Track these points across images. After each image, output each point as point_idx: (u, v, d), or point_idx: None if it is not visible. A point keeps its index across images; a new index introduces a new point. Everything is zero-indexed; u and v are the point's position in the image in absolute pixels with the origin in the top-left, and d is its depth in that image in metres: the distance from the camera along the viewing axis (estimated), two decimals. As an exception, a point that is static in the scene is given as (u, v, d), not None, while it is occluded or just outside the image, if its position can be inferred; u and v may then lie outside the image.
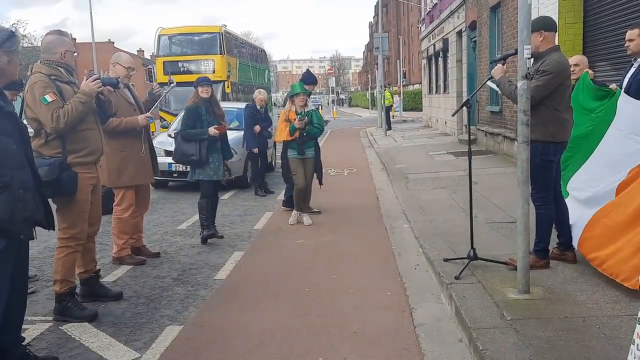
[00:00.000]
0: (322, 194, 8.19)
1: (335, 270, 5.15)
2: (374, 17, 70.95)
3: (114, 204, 5.45)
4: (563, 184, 4.84)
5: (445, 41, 19.34)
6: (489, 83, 4.59)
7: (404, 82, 41.99)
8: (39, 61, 4.09)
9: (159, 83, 15.74)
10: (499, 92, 4.55)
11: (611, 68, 7.65)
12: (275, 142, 10.91)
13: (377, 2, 37.49)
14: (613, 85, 4.70)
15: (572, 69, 4.47)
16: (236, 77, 19.72)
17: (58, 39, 4.11)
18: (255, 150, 9.32)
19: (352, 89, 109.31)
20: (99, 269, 4.69)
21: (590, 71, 5.08)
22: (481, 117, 14.57)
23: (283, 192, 8.36)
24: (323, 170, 7.91)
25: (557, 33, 4.47)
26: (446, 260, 4.84)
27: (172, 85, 6.29)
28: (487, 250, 4.88)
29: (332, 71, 57.29)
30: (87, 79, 4.11)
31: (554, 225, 4.55)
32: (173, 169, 9.28)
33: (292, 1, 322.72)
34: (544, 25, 4.30)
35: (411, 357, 3.39)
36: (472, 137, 4.57)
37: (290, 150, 7.08)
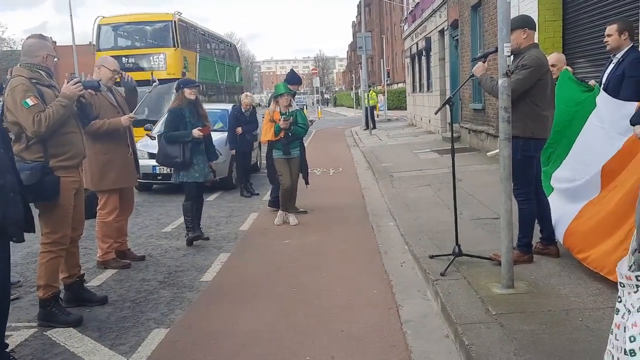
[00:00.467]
0: (308, 193, 8.20)
1: (322, 269, 5.17)
2: (357, 17, 71.18)
3: (97, 208, 5.40)
4: (546, 180, 4.91)
5: (428, 40, 19.46)
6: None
7: (388, 81, 42.16)
8: (19, 64, 4.04)
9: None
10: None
11: (590, 65, 7.76)
12: (260, 143, 10.89)
13: (360, 2, 37.67)
14: (592, 82, 4.77)
15: (550, 68, 4.53)
16: (195, 74, 17.18)
17: (39, 42, 4.08)
18: (232, 151, 9.36)
19: (337, 89, 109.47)
20: (84, 274, 4.65)
21: (569, 68, 5.16)
22: (464, 114, 14.68)
23: (269, 192, 8.35)
24: (309, 170, 7.92)
25: (535, 31, 4.54)
26: (432, 257, 4.88)
27: (154, 84, 6.26)
28: (472, 246, 4.93)
29: (316, 71, 57.33)
30: (67, 82, 4.08)
31: (536, 220, 4.61)
32: (157, 172, 9.23)
33: (276, 2, 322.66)
34: (527, 23, 4.38)
35: (398, 354, 3.41)
36: (455, 134, 4.64)
37: (275, 150, 7.07)
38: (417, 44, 22.29)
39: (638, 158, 3.83)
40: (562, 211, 4.64)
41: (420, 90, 22.37)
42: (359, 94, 33.98)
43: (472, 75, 4.54)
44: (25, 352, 3.61)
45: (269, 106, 7.43)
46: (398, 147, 15.35)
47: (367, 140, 18.38)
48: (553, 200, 4.78)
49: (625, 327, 1.34)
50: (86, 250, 5.85)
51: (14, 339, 3.76)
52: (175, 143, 5.98)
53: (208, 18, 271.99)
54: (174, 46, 16.01)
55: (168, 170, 8.25)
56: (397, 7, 36.04)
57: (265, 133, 7.02)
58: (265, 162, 8.13)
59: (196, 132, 5.95)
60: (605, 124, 4.24)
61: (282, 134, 6.88)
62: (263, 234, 6.68)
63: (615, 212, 3.89)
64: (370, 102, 23.39)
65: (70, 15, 31.55)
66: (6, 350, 3.29)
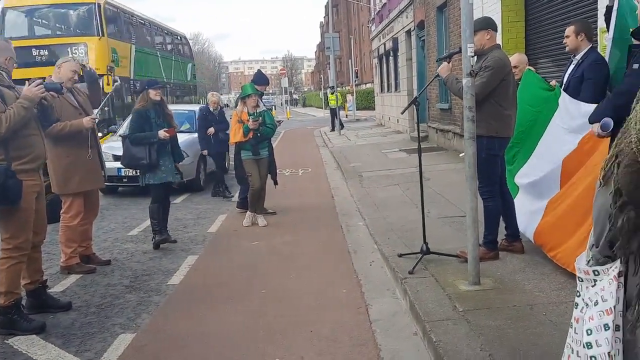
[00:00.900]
0: (277, 194, 8.18)
1: (291, 270, 5.15)
2: (324, 17, 71.32)
3: (61, 212, 5.27)
4: (511, 178, 5.01)
5: (395, 40, 19.64)
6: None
7: (356, 81, 42.37)
8: None
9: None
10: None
11: (552, 64, 7.95)
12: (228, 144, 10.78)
13: (327, 2, 37.76)
14: (553, 82, 4.88)
15: (512, 70, 4.62)
16: (130, 70, 14.77)
17: (1, 44, 4.04)
18: (205, 152, 9.24)
19: (305, 89, 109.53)
20: (46, 279, 4.53)
21: (531, 68, 5.27)
22: (432, 114, 14.87)
23: (237, 194, 8.29)
24: (277, 171, 7.90)
25: (498, 33, 4.64)
26: (400, 255, 4.92)
27: (116, 84, 6.15)
28: (440, 244, 4.99)
29: (285, 71, 57.21)
30: (29, 84, 4.00)
31: (501, 218, 4.70)
32: (123, 174, 9.05)
33: (243, 2, 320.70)
34: (490, 24, 4.48)
35: (367, 352, 3.43)
36: (423, 134, 4.70)
37: (244, 151, 7.03)
38: (384, 44, 22.48)
39: (596, 155, 3.94)
40: (530, 210, 4.74)
41: (388, 90, 22.56)
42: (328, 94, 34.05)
43: (438, 75, 4.59)
44: (-16, 362, 3.50)
45: (236, 107, 7.38)
46: (367, 147, 15.44)
47: (336, 141, 18.44)
48: (519, 199, 4.88)
49: (583, 321, 1.38)
50: (49, 255, 5.70)
51: (-28, 349, 3.64)
52: (141, 144, 5.88)
53: (175, 18, 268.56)
54: (99, 35, 13.38)
55: (134, 172, 8.12)
56: (364, 8, 36.27)
57: (234, 134, 6.96)
58: (233, 163, 8.05)
59: (162, 133, 5.86)
60: (567, 124, 4.35)
61: (250, 135, 6.84)
62: (232, 236, 6.63)
63: (578, 208, 3.98)
64: (331, 103, 23.53)
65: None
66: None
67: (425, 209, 4.99)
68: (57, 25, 14.33)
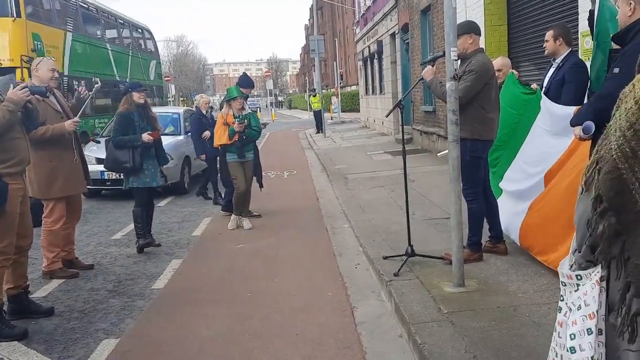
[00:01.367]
0: (262, 196, 8.16)
1: (277, 273, 5.14)
2: (309, 20, 71.38)
3: (43, 216, 5.20)
4: (495, 181, 5.06)
5: (380, 43, 19.72)
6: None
7: (341, 84, 42.47)
8: None
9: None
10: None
11: (534, 68, 8.05)
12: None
13: (312, 5, 37.77)
14: (534, 85, 4.94)
15: (496, 73, 4.68)
16: (63, 62, 12.31)
17: None
18: (203, 157, 9.02)
19: (290, 91, 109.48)
20: (29, 285, 4.47)
21: (515, 72, 5.33)
22: (416, 116, 14.95)
23: (222, 196, 8.26)
24: (263, 173, 7.88)
25: (481, 37, 4.69)
26: (385, 258, 4.93)
27: (96, 86, 6.09)
28: (425, 246, 5.02)
29: (270, 74, 57.15)
30: (13, 88, 3.97)
31: (485, 219, 4.74)
32: (106, 177, 8.97)
33: (228, 4, 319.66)
34: (473, 28, 4.53)
35: (353, 355, 3.43)
36: (408, 136, 4.71)
37: (229, 154, 7.00)
38: (369, 47, 22.56)
39: (575, 156, 3.99)
40: (513, 212, 4.79)
41: (372, 92, 22.65)
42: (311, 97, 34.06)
43: (422, 79, 4.63)
44: (-36, 370, 3.44)
45: (221, 110, 7.35)
46: (352, 149, 15.48)
47: (321, 143, 18.46)
48: (503, 201, 4.93)
49: (567, 325, 1.39)
50: (31, 260, 5.55)
51: (-48, 356, 3.58)
52: (125, 148, 5.83)
53: (161, 18, 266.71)
54: (13, 15, 10.85)
55: (117, 175, 8.03)
56: (349, 11, 36.38)
57: (220, 137, 6.93)
58: (218, 165, 7.99)
59: (146, 137, 5.82)
60: (550, 126, 4.40)
61: (236, 137, 6.82)
62: (216, 239, 6.60)
63: (564, 212, 4.00)
64: (314, 106, 23.56)
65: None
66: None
67: (410, 211, 5.01)
68: None
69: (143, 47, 19.05)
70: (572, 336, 1.32)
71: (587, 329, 1.30)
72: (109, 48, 15.25)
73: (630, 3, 3.18)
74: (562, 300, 1.46)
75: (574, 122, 3.74)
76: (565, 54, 4.56)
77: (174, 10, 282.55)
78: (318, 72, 25.71)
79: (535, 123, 4.63)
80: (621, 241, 1.22)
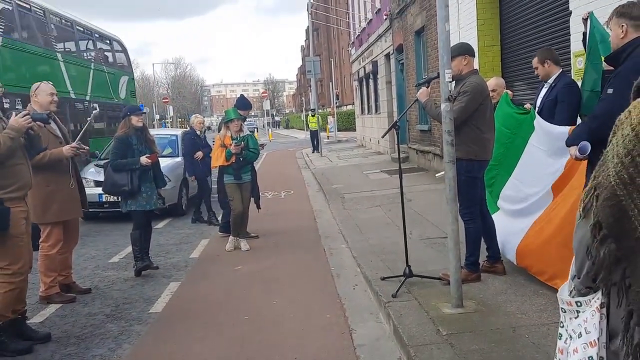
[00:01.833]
0: (260, 217, 8.15)
1: (275, 295, 5.12)
2: (305, 41, 72.06)
3: (40, 240, 5.18)
4: (491, 200, 5.08)
5: (375, 64, 19.91)
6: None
7: (337, 103, 42.74)
8: None
9: None
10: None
11: (528, 87, 8.12)
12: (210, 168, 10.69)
13: (308, 27, 38.19)
14: (527, 105, 5.00)
15: (490, 94, 4.74)
16: None
17: None
18: (193, 178, 9.06)
19: (287, 111, 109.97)
20: (26, 309, 4.44)
21: (509, 92, 5.39)
22: (412, 135, 15.03)
23: (219, 218, 8.24)
24: (260, 193, 7.89)
25: (475, 58, 4.75)
26: (383, 278, 4.92)
27: (94, 112, 6.12)
28: (422, 266, 5.01)
29: (266, 94, 57.40)
30: (15, 115, 4.03)
31: (482, 239, 4.74)
32: (104, 200, 8.96)
33: (225, 26, 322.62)
34: (467, 50, 4.60)
35: (352, 379, 3.41)
36: (404, 155, 4.74)
37: (226, 175, 7.02)
38: (364, 67, 22.76)
39: (576, 177, 4.01)
40: (510, 231, 4.79)
41: (368, 112, 22.78)
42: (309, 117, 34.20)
43: (417, 100, 4.68)
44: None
45: (219, 131, 7.39)
46: (348, 168, 15.51)
47: (318, 162, 18.50)
48: (499, 218, 4.94)
49: (567, 353, 1.39)
50: (28, 284, 5.57)
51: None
52: (123, 171, 5.84)
53: (157, 42, 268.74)
54: None
55: (115, 198, 8.02)
56: (344, 32, 36.78)
57: (217, 158, 6.96)
58: (216, 186, 7.99)
59: (144, 160, 5.83)
60: (545, 146, 4.44)
61: (233, 159, 6.84)
62: (214, 261, 6.58)
63: (569, 235, 3.98)
64: (311, 125, 23.65)
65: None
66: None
67: (407, 231, 5.02)
68: None
69: (111, 60, 16.39)
70: (574, 364, 1.32)
71: (588, 357, 1.29)
72: (60, 59, 12.59)
73: (623, 25, 3.24)
74: (562, 327, 1.46)
75: (570, 142, 3.77)
76: (557, 74, 4.63)
77: (171, 33, 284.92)
78: (314, 92, 25.92)
79: (529, 142, 4.67)
80: (622, 268, 1.21)
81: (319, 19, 37.59)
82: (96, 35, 15.56)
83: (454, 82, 4.30)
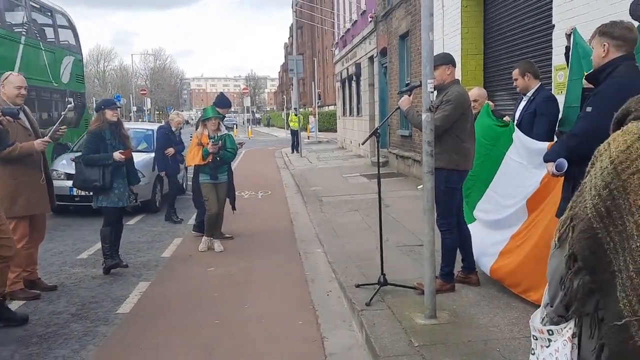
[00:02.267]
0: (235, 218, 8.04)
1: (247, 299, 5.04)
2: (289, 39, 71.92)
3: (4, 235, 5.02)
4: (468, 210, 5.07)
5: (358, 65, 19.91)
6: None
7: (319, 103, 42.72)
8: None
9: None
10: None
11: (509, 97, 8.18)
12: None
13: (292, 24, 38.11)
14: (507, 118, 5.03)
15: (472, 104, 4.74)
16: None
17: None
18: (162, 174, 8.96)
19: (268, 109, 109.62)
20: (6, 293, 4.44)
21: (490, 103, 5.40)
22: (392, 140, 15.05)
23: (194, 217, 8.12)
24: (236, 193, 7.78)
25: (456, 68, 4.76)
26: (358, 286, 4.88)
27: (69, 106, 5.96)
28: (398, 274, 4.98)
29: (247, 90, 57.17)
30: None
31: (458, 250, 4.73)
32: (75, 193, 8.73)
33: (208, 20, 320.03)
34: (451, 60, 4.62)
35: (321, 390, 3.35)
36: (384, 159, 4.70)
37: (202, 175, 6.89)
38: (347, 68, 22.75)
39: (554, 193, 4.01)
40: (486, 242, 4.79)
41: (350, 114, 22.78)
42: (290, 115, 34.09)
43: (398, 108, 4.65)
44: None
45: (197, 129, 7.26)
46: (328, 171, 15.47)
47: (297, 163, 18.43)
48: (475, 229, 4.93)
49: (539, 381, 1.36)
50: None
51: None
52: (95, 166, 5.68)
53: (138, 32, 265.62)
54: None
55: (87, 192, 7.84)
56: (328, 32, 36.78)
57: (193, 157, 6.82)
58: (191, 183, 7.86)
59: (117, 155, 5.69)
60: (523, 159, 4.45)
61: (210, 158, 6.72)
62: (186, 261, 6.46)
63: (543, 247, 3.98)
64: (292, 125, 23.52)
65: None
66: None
67: (384, 237, 4.99)
68: None
69: (52, 37, 13.67)
70: (545, 392, 1.30)
71: (559, 386, 1.27)
72: None
73: (604, 45, 3.25)
74: (534, 354, 1.43)
75: (547, 159, 3.78)
76: (536, 87, 4.68)
77: (152, 23, 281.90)
78: (296, 91, 25.81)
79: (507, 155, 4.68)
80: (595, 300, 1.20)
81: (304, 17, 37.49)
82: (31, 3, 12.85)
83: (435, 91, 4.27)
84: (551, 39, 6.49)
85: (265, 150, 27.22)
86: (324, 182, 12.72)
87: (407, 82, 12.27)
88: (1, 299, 4.23)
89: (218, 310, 4.76)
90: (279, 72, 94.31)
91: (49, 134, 5.18)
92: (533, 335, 1.43)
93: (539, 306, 1.47)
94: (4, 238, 4.14)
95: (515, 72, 4.75)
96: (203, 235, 7.02)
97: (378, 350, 3.58)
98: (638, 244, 1.06)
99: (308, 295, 5.15)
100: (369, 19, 16.97)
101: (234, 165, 8.38)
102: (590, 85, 3.49)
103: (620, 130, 1.17)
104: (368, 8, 17.44)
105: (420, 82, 4.10)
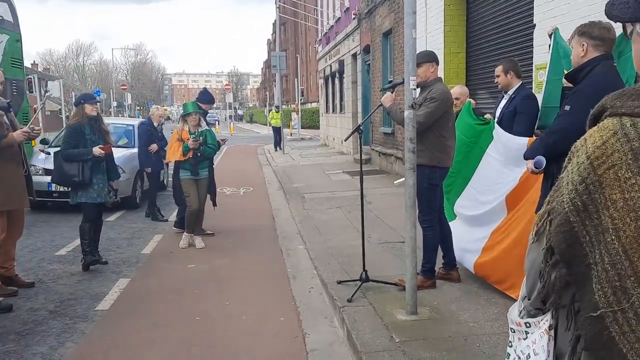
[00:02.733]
0: (216, 214, 8.00)
1: (228, 296, 5.02)
2: (272, 35, 71.59)
3: (-19, 230, 4.93)
4: (449, 207, 5.11)
5: (341, 63, 19.91)
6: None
7: (302, 100, 42.65)
8: None
9: None
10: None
11: (490, 96, 8.25)
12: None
13: (275, 20, 37.97)
14: (488, 116, 5.07)
15: (454, 102, 4.78)
16: None
17: None
18: (148, 170, 8.82)
19: (251, 105, 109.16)
20: None
21: (472, 101, 5.45)
22: (375, 137, 15.10)
23: (175, 213, 8.05)
24: (218, 189, 7.73)
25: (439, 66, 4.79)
26: (339, 282, 4.89)
27: (47, 94, 5.87)
28: (379, 271, 5.00)
29: (230, 87, 56.79)
30: None
31: (439, 246, 4.77)
32: (53, 189, 8.60)
33: (190, 15, 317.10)
34: (434, 58, 4.66)
35: (303, 386, 3.35)
36: (366, 156, 4.72)
37: (182, 170, 6.84)
38: (330, 65, 22.74)
39: (534, 190, 4.06)
40: (467, 239, 4.83)
41: (333, 111, 22.78)
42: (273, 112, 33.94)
43: (381, 105, 4.66)
44: None
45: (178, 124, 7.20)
46: (310, 167, 15.46)
47: (280, 159, 18.38)
48: (456, 226, 4.97)
49: (516, 373, 1.38)
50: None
51: None
52: (74, 161, 5.60)
53: (118, 28, 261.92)
54: None
55: (65, 187, 7.72)
56: (311, 28, 36.74)
57: (173, 153, 6.75)
58: (172, 179, 7.79)
59: (97, 151, 5.61)
60: (502, 156, 4.50)
61: (190, 154, 6.67)
62: (167, 258, 6.40)
63: (525, 244, 4.03)
64: (273, 122, 23.44)
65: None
66: None
67: (366, 234, 5.00)
68: None
69: None
70: (522, 385, 1.31)
71: (536, 378, 1.29)
72: None
73: (583, 44, 3.30)
74: (511, 346, 1.45)
75: (527, 156, 3.82)
76: (517, 86, 4.73)
77: (133, 17, 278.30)
78: (279, 87, 25.74)
79: (487, 152, 4.72)
80: (571, 292, 1.21)
81: (287, 13, 37.37)
82: None
83: (418, 89, 4.30)
84: (532, 38, 6.56)
85: (248, 146, 27.09)
86: (307, 179, 12.72)
87: (390, 80, 12.32)
88: None
89: (199, 306, 4.74)
90: (262, 69, 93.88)
91: (29, 125, 5.09)
92: (511, 328, 1.44)
93: None
94: None
95: (499, 69, 4.80)
96: (184, 232, 6.97)
97: (359, 346, 3.59)
98: (613, 237, 1.08)
99: (290, 291, 5.14)
100: (353, 16, 16.98)
101: (215, 161, 8.34)
102: (570, 84, 3.53)
103: (597, 126, 1.19)
104: (352, 5, 17.45)
105: (403, 79, 4.12)
